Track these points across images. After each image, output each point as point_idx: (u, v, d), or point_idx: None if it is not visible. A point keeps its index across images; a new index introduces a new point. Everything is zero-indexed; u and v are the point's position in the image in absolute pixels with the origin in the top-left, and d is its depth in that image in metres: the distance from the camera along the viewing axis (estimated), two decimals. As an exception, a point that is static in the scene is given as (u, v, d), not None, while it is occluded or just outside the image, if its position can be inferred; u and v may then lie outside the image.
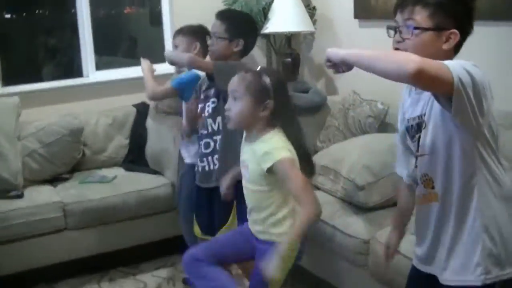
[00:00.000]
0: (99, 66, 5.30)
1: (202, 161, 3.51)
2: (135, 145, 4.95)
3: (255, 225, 2.74)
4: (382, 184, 3.57)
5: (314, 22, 5.29)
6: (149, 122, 4.97)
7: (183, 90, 3.73)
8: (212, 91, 3.46)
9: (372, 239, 3.37)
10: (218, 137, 3.43)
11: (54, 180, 4.58)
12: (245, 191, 2.79)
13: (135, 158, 4.90)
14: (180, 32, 4.02)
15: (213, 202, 3.49)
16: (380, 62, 1.87)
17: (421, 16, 2.06)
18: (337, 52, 2.03)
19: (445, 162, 2.09)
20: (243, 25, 3.58)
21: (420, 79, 1.82)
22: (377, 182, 3.57)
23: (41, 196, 4.27)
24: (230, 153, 3.30)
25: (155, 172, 4.68)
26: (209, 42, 3.54)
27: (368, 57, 1.91)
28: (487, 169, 2.07)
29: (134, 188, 4.40)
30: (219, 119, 3.42)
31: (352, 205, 3.71)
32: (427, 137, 2.12)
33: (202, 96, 3.54)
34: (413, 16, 2.07)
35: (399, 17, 2.13)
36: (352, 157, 3.74)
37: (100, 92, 5.16)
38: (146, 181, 4.52)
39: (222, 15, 3.57)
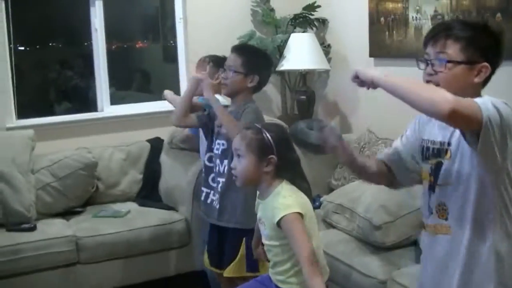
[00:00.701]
0: (112, 100, 5.33)
1: (207, 188, 3.54)
2: (148, 180, 4.94)
3: (277, 275, 2.71)
4: (399, 224, 3.54)
5: (329, 60, 5.32)
6: (163, 158, 4.97)
7: None
8: (224, 131, 3.43)
9: (389, 279, 3.32)
10: (222, 179, 3.43)
11: (66, 213, 4.57)
12: (265, 248, 2.78)
13: (149, 193, 4.88)
14: (205, 61, 4.06)
15: (224, 240, 3.49)
16: (415, 96, 1.87)
17: (453, 49, 2.09)
18: (367, 72, 2.06)
19: (464, 196, 2.08)
20: (260, 61, 3.56)
21: (453, 119, 1.84)
22: (394, 222, 3.54)
23: (54, 229, 4.24)
24: (229, 200, 3.39)
25: (168, 207, 4.65)
26: (222, 75, 3.49)
27: (404, 89, 1.91)
28: (504, 209, 2.07)
29: (148, 224, 4.36)
30: (225, 162, 3.40)
31: (368, 244, 3.67)
32: (453, 167, 2.11)
33: (215, 130, 3.52)
34: (445, 49, 2.10)
35: (430, 49, 2.16)
36: (368, 196, 3.72)
37: (114, 127, 5.18)
38: (160, 217, 4.48)
39: (238, 49, 3.55)
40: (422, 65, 2.18)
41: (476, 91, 2.10)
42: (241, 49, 3.61)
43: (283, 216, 2.52)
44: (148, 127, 5.08)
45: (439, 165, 2.18)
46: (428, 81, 2.14)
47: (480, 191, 2.05)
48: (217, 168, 3.46)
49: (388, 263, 3.45)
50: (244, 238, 3.33)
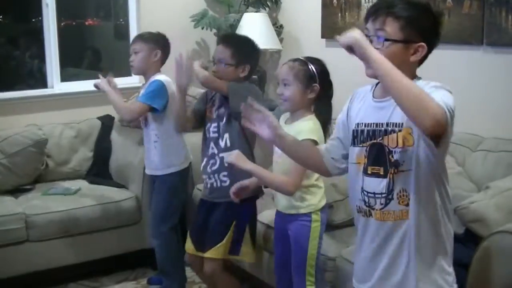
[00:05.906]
0: (63, 77, 5.26)
1: (210, 178, 3.56)
2: (99, 158, 4.92)
3: (283, 199, 3.12)
4: (349, 203, 3.58)
5: (281, 41, 5.34)
6: (114, 135, 4.95)
7: (154, 102, 3.77)
8: (224, 111, 3.49)
9: (338, 256, 3.39)
10: (222, 155, 3.42)
11: (15, 191, 4.53)
12: (275, 166, 3.14)
13: (99, 171, 4.87)
14: (141, 38, 3.99)
15: (210, 218, 3.54)
16: (408, 92, 1.87)
17: (392, 28, 2.09)
18: (352, 36, 1.98)
19: (421, 178, 2.09)
20: (248, 50, 3.58)
21: (435, 131, 1.88)
22: (343, 200, 3.58)
23: (2, 207, 4.20)
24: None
25: (119, 185, 4.65)
26: (214, 68, 3.53)
27: (397, 78, 1.91)
28: (444, 185, 2.14)
29: (98, 201, 4.36)
30: (226, 135, 3.47)
31: (318, 222, 3.71)
32: (414, 153, 2.09)
33: (214, 116, 3.55)
34: (384, 27, 2.09)
35: (370, 25, 2.14)
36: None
37: (65, 104, 5.13)
38: (110, 194, 4.48)
39: (226, 40, 3.59)
40: None
41: (411, 70, 2.12)
42: (229, 39, 3.65)
43: (305, 139, 2.84)
44: (98, 105, 5.02)
45: (373, 147, 2.17)
46: None
47: (431, 172, 2.09)
48: (211, 149, 3.54)
49: (338, 241, 3.51)
50: (234, 221, 3.45)
